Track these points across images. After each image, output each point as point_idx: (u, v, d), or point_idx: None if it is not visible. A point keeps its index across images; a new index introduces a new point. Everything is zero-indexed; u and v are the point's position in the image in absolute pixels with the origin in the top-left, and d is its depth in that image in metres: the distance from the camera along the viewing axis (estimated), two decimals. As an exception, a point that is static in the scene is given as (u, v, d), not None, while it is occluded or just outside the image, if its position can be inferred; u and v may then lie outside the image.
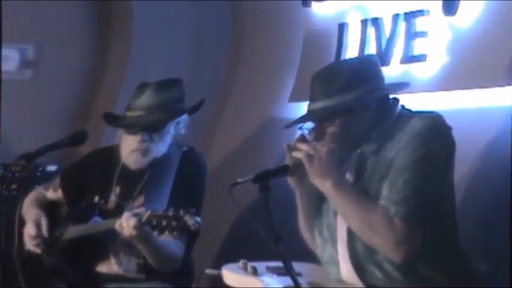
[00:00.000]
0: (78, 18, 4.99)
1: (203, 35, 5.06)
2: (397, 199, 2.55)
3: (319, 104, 2.72)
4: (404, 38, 3.79)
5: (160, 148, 3.39)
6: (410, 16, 3.76)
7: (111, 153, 3.48)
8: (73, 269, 3.44)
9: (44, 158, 3.29)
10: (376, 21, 3.95)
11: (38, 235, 3.40)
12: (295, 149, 2.70)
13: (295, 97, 4.44)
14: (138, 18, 4.86)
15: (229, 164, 4.81)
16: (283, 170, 2.70)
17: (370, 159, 2.69)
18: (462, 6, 3.52)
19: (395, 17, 3.82)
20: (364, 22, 4.02)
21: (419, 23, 3.73)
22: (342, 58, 4.07)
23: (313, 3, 4.33)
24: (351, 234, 2.68)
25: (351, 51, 4.08)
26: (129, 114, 3.42)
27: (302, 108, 3.96)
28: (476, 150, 3.39)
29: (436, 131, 2.62)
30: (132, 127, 3.39)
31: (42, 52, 4.81)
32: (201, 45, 5.07)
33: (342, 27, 4.15)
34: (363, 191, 2.65)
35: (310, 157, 2.63)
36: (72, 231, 3.42)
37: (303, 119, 2.78)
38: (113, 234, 3.23)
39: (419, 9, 3.72)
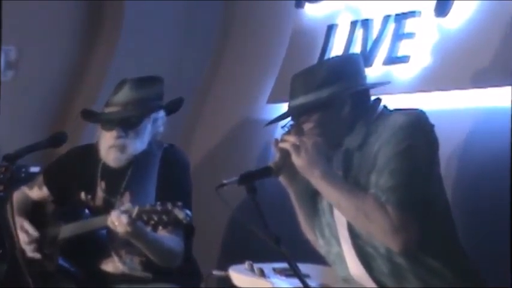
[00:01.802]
0: (67, 19, 4.99)
1: (191, 36, 5.05)
2: (385, 187, 2.58)
3: (298, 101, 2.77)
4: (391, 39, 3.78)
5: (138, 145, 3.41)
6: (401, 17, 3.74)
7: (91, 150, 3.51)
8: (79, 268, 3.45)
9: (23, 159, 3.25)
10: (365, 23, 3.93)
11: (32, 240, 3.45)
12: (282, 140, 2.71)
13: (274, 98, 4.43)
14: (128, 19, 4.86)
15: (208, 164, 4.79)
16: (266, 171, 2.70)
17: (355, 155, 2.71)
18: (454, 7, 3.51)
19: (386, 18, 3.81)
20: (353, 23, 4.00)
21: (409, 25, 3.72)
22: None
23: (307, 4, 4.29)
24: (353, 232, 2.69)
25: (336, 53, 4.04)
26: (107, 110, 3.46)
27: (281, 108, 3.95)
28: (454, 150, 3.40)
29: (418, 125, 2.65)
30: (107, 123, 3.42)
31: (23, 53, 4.82)
32: (187, 46, 5.06)
33: (330, 28, 4.14)
34: (353, 183, 2.67)
35: (296, 148, 2.66)
36: (67, 230, 3.43)
37: (282, 116, 2.83)
38: (108, 231, 3.26)
39: (411, 10, 3.70)
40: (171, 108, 3.57)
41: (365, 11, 3.97)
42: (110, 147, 3.40)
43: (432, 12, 3.56)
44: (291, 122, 2.80)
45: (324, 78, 2.73)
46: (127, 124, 3.38)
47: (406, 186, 2.57)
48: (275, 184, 2.82)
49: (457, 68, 3.48)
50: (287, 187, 2.82)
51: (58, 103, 5.03)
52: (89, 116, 3.60)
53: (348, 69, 2.78)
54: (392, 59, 3.74)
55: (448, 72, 3.51)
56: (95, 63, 5.00)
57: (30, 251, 3.45)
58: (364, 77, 2.81)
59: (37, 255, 3.45)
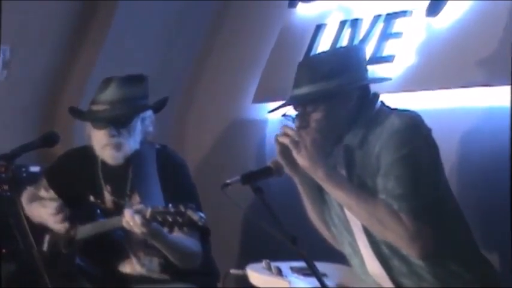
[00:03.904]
0: (57, 18, 4.98)
1: (178, 36, 5.05)
2: (395, 194, 2.58)
3: (304, 90, 2.74)
4: (378, 38, 3.78)
5: (132, 144, 3.40)
6: (391, 17, 3.74)
7: (88, 152, 3.49)
8: (97, 269, 3.46)
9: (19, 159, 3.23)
10: (354, 22, 3.93)
11: (57, 209, 3.43)
12: (281, 134, 2.70)
13: (259, 98, 4.43)
14: (118, 19, 4.86)
15: (201, 165, 4.78)
16: (266, 171, 2.71)
17: (357, 152, 2.70)
18: (446, 7, 3.52)
19: (376, 18, 3.81)
20: (342, 23, 4.00)
21: (398, 24, 3.71)
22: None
23: (300, 4, 4.27)
24: (369, 233, 2.70)
25: None
26: (94, 108, 3.44)
27: (268, 107, 3.88)
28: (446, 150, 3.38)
29: (415, 129, 2.65)
30: (97, 121, 3.40)
31: (16, 52, 4.82)
32: (173, 45, 5.06)
33: (318, 28, 4.13)
34: (359, 185, 2.67)
35: (296, 143, 2.64)
36: (83, 230, 3.44)
37: (287, 103, 2.80)
38: (126, 233, 3.27)
39: (403, 10, 3.69)
40: (157, 107, 3.55)
41: (357, 11, 3.96)
42: (104, 145, 3.39)
43: (424, 12, 3.56)
44: (295, 113, 2.77)
45: (331, 69, 2.71)
46: (118, 123, 3.37)
47: (416, 193, 2.58)
48: (279, 182, 2.82)
49: (441, 67, 3.49)
50: (292, 176, 2.79)
51: (45, 102, 5.04)
52: (77, 113, 3.59)
53: (354, 61, 2.78)
54: (376, 59, 3.74)
55: (432, 71, 3.52)
56: (81, 62, 4.99)
57: (57, 223, 3.44)
58: (367, 70, 2.82)
59: (65, 226, 3.43)
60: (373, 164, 2.64)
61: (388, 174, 2.59)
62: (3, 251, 3.87)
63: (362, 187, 2.66)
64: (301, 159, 2.65)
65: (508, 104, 3.07)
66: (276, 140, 2.71)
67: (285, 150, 2.67)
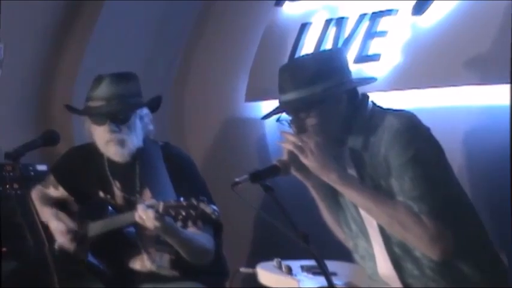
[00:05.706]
0: (45, 15, 4.97)
1: (165, 35, 5.04)
2: (413, 196, 2.58)
3: (291, 96, 2.71)
4: (363, 37, 3.80)
5: (135, 140, 3.39)
6: (376, 16, 3.77)
7: (92, 149, 3.48)
8: (108, 266, 3.47)
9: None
10: (339, 21, 3.95)
11: (69, 229, 3.46)
12: (283, 140, 2.68)
13: (251, 97, 4.42)
14: (103, 17, 4.84)
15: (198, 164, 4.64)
16: (273, 170, 2.68)
17: (363, 154, 2.69)
18: (431, 6, 3.55)
19: (361, 16, 3.83)
20: (327, 22, 4.01)
21: (383, 23, 3.74)
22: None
23: (286, 3, 4.28)
24: (384, 234, 2.69)
25: (307, 52, 4.03)
26: (91, 104, 3.41)
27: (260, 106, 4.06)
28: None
29: (417, 129, 2.65)
30: (95, 116, 3.38)
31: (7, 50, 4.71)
32: (160, 45, 5.05)
33: (303, 27, 4.14)
34: (374, 187, 2.65)
35: (300, 148, 2.63)
36: (96, 227, 3.44)
37: (278, 109, 2.78)
38: (137, 229, 3.28)
39: (388, 8, 3.72)
40: (153, 106, 3.52)
41: (343, 10, 3.97)
42: (107, 141, 3.37)
43: (409, 11, 3.60)
44: (289, 117, 2.75)
45: (315, 73, 2.69)
46: (116, 119, 3.34)
47: (433, 193, 2.58)
48: (286, 180, 2.78)
49: (426, 66, 3.53)
50: (304, 181, 2.77)
51: (36, 100, 5.04)
52: (75, 109, 3.57)
53: (338, 64, 2.76)
54: (363, 58, 3.77)
55: (418, 70, 3.56)
56: (67, 61, 4.98)
57: (65, 241, 3.46)
58: (350, 72, 2.80)
59: (72, 246, 3.45)
60: (382, 164, 2.63)
61: (401, 176, 2.59)
62: (4, 249, 3.87)
63: (377, 188, 2.65)
64: (309, 163, 2.64)
65: (500, 103, 3.14)
66: (283, 148, 2.70)
67: (293, 156, 2.66)
